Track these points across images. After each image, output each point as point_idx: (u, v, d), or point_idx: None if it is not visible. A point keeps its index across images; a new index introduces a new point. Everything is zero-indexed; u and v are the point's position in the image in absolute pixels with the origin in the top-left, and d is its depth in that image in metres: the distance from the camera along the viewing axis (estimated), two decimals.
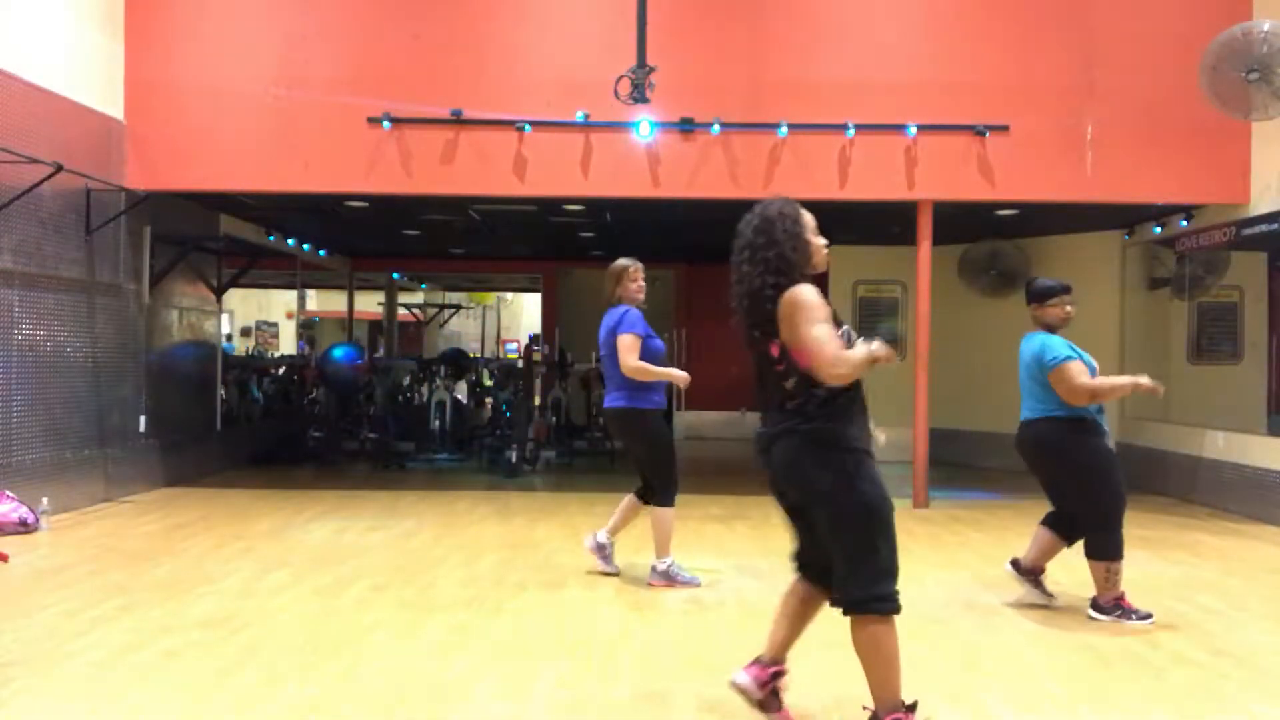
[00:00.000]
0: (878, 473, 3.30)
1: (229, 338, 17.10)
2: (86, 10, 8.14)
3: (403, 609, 5.12)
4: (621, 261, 5.76)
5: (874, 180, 8.56)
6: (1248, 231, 8.51)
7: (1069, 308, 5.22)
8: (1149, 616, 5.06)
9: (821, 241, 3.47)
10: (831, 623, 4.96)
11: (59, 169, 7.19)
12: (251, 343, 17.97)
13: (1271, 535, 7.62)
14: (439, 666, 4.20)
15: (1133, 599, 5.25)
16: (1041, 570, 5.45)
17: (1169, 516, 8.40)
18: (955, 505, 8.71)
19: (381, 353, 16.96)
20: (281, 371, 13.74)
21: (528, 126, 8.44)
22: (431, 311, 20.43)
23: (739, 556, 6.55)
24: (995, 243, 11.44)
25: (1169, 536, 7.48)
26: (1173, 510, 8.72)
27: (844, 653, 4.49)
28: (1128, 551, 6.91)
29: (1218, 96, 7.20)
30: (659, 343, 5.72)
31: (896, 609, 3.27)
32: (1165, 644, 4.67)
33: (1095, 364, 5.17)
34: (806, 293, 3.27)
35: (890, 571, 3.28)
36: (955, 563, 6.45)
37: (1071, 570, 6.31)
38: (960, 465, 11.06)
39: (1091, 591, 5.21)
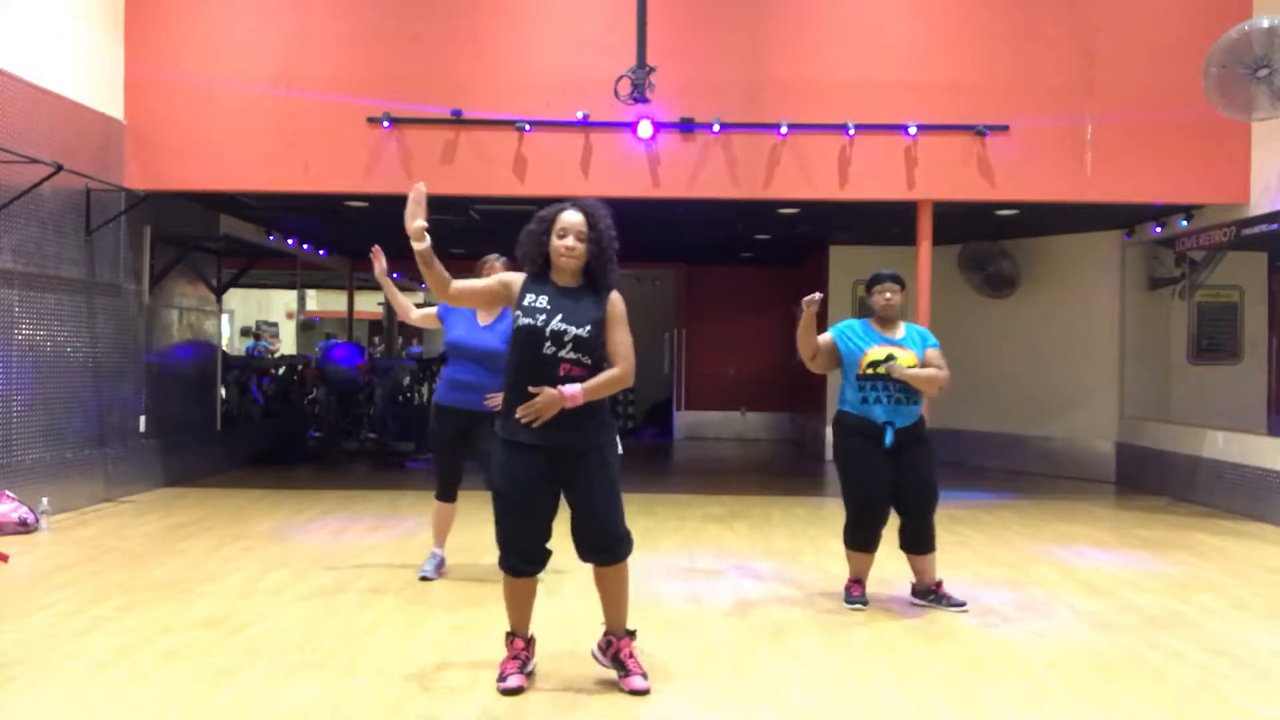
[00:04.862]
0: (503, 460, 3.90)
1: (255, 336, 17.08)
2: (86, 10, 8.14)
3: (403, 609, 5.12)
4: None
5: (874, 180, 8.56)
6: (1248, 231, 8.50)
7: (889, 295, 5.26)
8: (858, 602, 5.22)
9: (563, 244, 3.86)
10: (828, 628, 4.98)
11: (59, 169, 7.19)
12: (252, 340, 17.94)
13: (1271, 535, 7.62)
14: (439, 666, 4.20)
15: (1135, 598, 5.25)
16: (927, 586, 5.38)
17: (1169, 516, 8.41)
18: (955, 505, 8.70)
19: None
20: (281, 371, 13.74)
21: (528, 126, 8.44)
22: None
23: (739, 556, 6.56)
24: (989, 244, 11.46)
25: (1169, 536, 7.49)
26: (1173, 510, 8.73)
27: (846, 654, 4.50)
28: (1127, 551, 6.95)
29: (1223, 96, 7.20)
30: (458, 334, 5.55)
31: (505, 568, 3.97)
32: (1165, 644, 4.67)
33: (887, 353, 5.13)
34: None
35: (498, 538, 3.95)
36: (955, 563, 6.43)
37: (1072, 573, 6.32)
38: (960, 465, 11.07)
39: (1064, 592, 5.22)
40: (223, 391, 10.91)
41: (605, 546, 3.91)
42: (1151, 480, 9.81)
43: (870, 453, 5.14)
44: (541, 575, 4.06)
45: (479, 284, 4.03)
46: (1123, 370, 10.60)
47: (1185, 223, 9.26)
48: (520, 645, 4.03)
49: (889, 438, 5.10)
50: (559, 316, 3.80)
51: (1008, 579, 6.00)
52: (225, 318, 13.37)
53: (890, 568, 6.10)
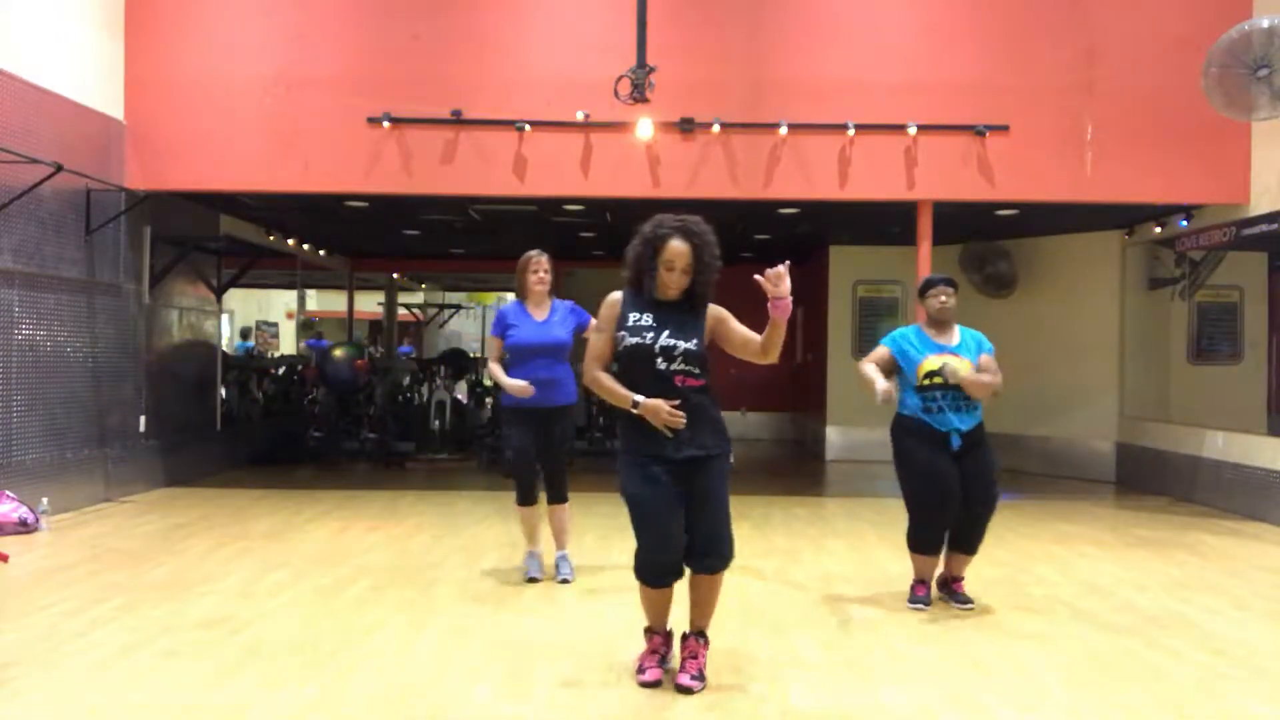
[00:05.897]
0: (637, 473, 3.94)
1: (244, 335, 17.09)
2: (86, 10, 8.14)
3: (403, 609, 5.12)
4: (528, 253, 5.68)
5: (874, 180, 8.56)
6: (1248, 231, 8.50)
7: (943, 298, 5.27)
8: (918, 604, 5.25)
9: (670, 276, 3.89)
10: (828, 628, 4.98)
11: (59, 169, 7.19)
12: (251, 342, 17.95)
13: (1271, 535, 7.62)
14: (439, 666, 4.20)
15: (1135, 598, 5.22)
16: (947, 578, 5.44)
17: (1169, 516, 8.41)
18: None
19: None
20: (281, 371, 13.74)
21: (528, 126, 8.44)
22: (431, 311, 20.43)
23: (739, 556, 6.51)
24: (989, 244, 11.46)
25: (1169, 536, 7.49)
26: (1173, 510, 8.73)
27: (846, 654, 4.50)
28: (1127, 551, 6.95)
29: (1223, 96, 7.20)
30: (522, 335, 5.55)
31: (643, 580, 4.04)
32: (1165, 644, 4.67)
33: (947, 360, 5.16)
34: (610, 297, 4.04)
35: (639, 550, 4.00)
36: None
37: (1072, 573, 6.32)
38: None
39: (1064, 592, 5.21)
40: (223, 391, 10.91)
41: (714, 551, 4.05)
42: (1151, 480, 9.81)
43: (936, 456, 5.16)
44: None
45: (601, 337, 4.03)
46: (1123, 370, 10.60)
47: (1185, 223, 9.26)
48: (659, 641, 4.14)
49: (955, 442, 5.15)
50: (666, 332, 3.89)
51: (1008, 579, 6.00)
52: (225, 318, 13.37)
53: (893, 567, 6.11)
